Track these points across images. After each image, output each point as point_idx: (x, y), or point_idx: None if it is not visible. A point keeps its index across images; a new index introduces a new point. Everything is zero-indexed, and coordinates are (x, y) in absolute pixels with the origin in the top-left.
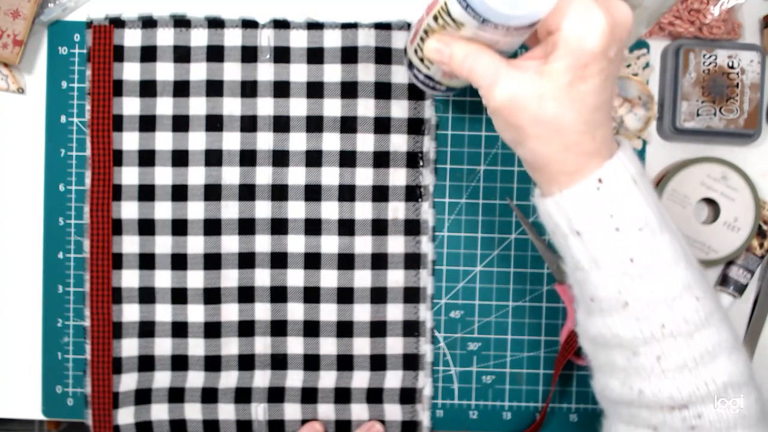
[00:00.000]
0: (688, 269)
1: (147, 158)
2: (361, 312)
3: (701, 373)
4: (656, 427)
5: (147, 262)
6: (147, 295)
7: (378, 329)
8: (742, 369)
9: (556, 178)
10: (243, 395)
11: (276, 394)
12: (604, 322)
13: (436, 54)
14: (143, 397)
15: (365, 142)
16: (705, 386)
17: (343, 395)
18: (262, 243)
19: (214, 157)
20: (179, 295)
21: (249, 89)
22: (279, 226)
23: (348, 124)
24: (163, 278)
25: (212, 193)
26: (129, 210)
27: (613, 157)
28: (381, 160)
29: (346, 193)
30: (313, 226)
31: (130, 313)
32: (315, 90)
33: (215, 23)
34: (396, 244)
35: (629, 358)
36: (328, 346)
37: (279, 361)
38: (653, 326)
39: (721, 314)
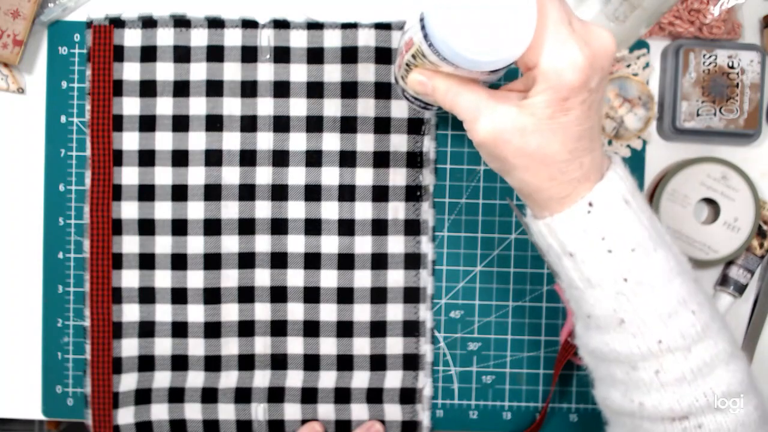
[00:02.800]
0: (683, 284)
1: (147, 158)
2: (361, 312)
3: (700, 385)
4: None
5: (147, 262)
6: (147, 295)
7: (378, 329)
8: (740, 378)
9: (547, 204)
10: (243, 395)
11: (276, 394)
12: (601, 339)
13: (419, 86)
14: (143, 397)
15: (365, 142)
16: (704, 397)
17: (343, 395)
18: (262, 243)
19: (214, 157)
20: (179, 295)
21: (249, 89)
22: (279, 226)
23: (348, 124)
24: (163, 278)
25: (212, 193)
26: (129, 210)
27: (603, 179)
28: (381, 160)
29: (346, 193)
30: (313, 226)
31: (130, 313)
32: (315, 90)
33: (215, 23)
34: (396, 244)
35: (628, 372)
36: (328, 346)
37: (279, 361)
38: (650, 342)
39: (719, 324)
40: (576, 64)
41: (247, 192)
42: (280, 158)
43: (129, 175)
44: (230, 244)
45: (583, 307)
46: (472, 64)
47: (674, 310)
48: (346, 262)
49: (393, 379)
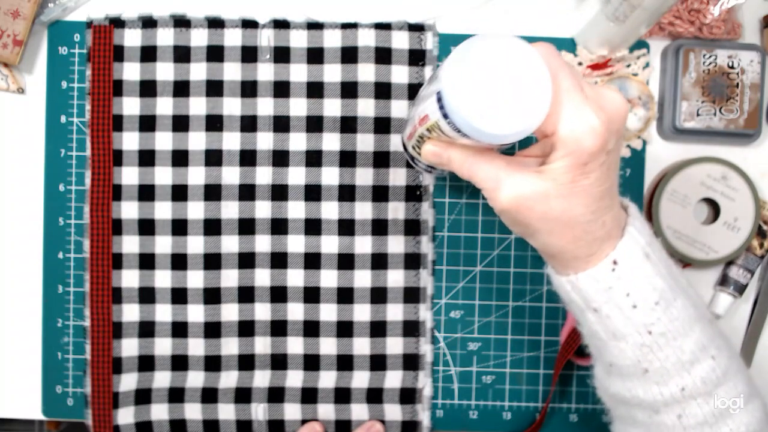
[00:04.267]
0: (703, 330)
1: (147, 158)
2: (361, 312)
3: (721, 427)
4: None
5: (147, 262)
6: (147, 295)
7: (378, 329)
8: (759, 417)
9: (570, 264)
10: (243, 395)
11: (276, 394)
12: (623, 385)
13: (434, 157)
14: (143, 397)
15: (365, 142)
16: None
17: (343, 395)
18: (262, 243)
19: (214, 157)
20: (179, 295)
21: (249, 89)
22: (279, 226)
23: (348, 124)
24: (163, 278)
25: (212, 193)
26: (129, 210)
27: (625, 234)
28: (381, 160)
29: (346, 193)
30: (313, 226)
31: (130, 313)
32: (315, 90)
33: (215, 23)
34: (396, 244)
35: (651, 416)
36: (328, 346)
37: (279, 361)
38: (673, 390)
39: (737, 364)
40: (594, 129)
41: (247, 192)
42: (280, 158)
43: (129, 175)
44: (230, 244)
45: (606, 356)
46: (491, 138)
47: (696, 357)
48: (346, 262)
49: (393, 379)
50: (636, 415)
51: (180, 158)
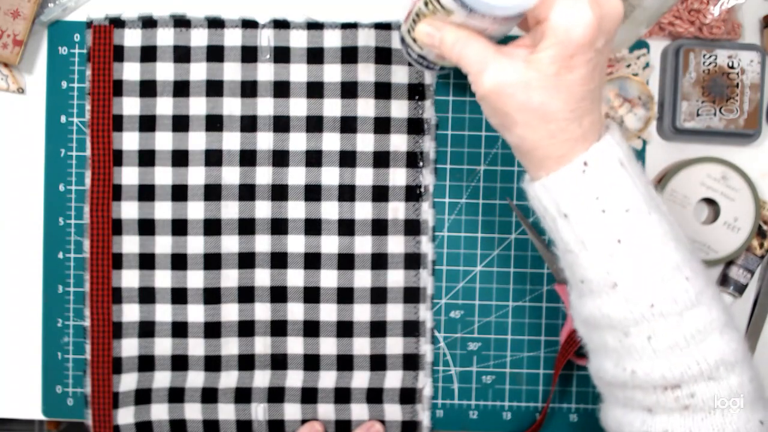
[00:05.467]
0: (678, 249)
1: (147, 158)
2: (361, 312)
3: (692, 352)
4: (650, 409)
5: (147, 262)
6: (147, 295)
7: (378, 329)
8: (734, 348)
9: (543, 163)
10: (243, 395)
11: (276, 394)
12: (594, 304)
13: (426, 38)
14: (143, 397)
15: (365, 142)
16: (696, 365)
17: (343, 395)
18: (262, 243)
19: (214, 157)
20: (179, 295)
21: (249, 89)
22: (279, 226)
23: (348, 124)
24: (163, 278)
25: (212, 193)
26: (129, 210)
27: (600, 140)
28: (381, 160)
29: (346, 193)
30: (313, 226)
31: (130, 313)
32: (315, 90)
33: (215, 23)
34: (396, 244)
35: (621, 339)
36: (328, 346)
37: (279, 361)
38: (643, 307)
39: (712, 292)
40: (585, 21)
41: (247, 192)
42: (280, 158)
43: (129, 175)
44: (230, 244)
45: (577, 271)
46: (487, 8)
47: (668, 274)
48: (346, 262)
49: (393, 379)
50: (607, 341)
51: (180, 158)
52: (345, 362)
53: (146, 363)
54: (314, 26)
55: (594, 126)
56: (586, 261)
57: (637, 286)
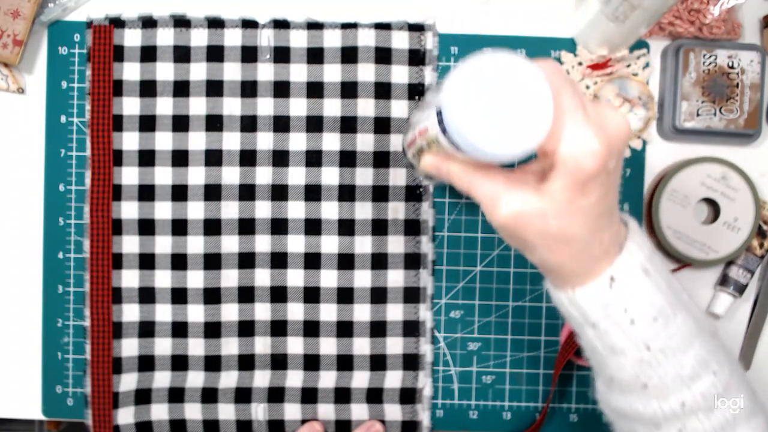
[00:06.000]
0: (703, 344)
1: (147, 158)
2: (361, 312)
3: None
4: None
5: (147, 262)
6: (147, 295)
7: (378, 329)
8: None
9: (568, 280)
10: (243, 395)
11: (276, 394)
12: (624, 400)
13: (433, 169)
14: (143, 397)
15: (365, 142)
16: None
17: (343, 395)
18: (262, 243)
19: (214, 157)
20: (179, 295)
21: (249, 89)
22: (279, 226)
23: (348, 124)
24: (163, 278)
25: (212, 193)
26: (129, 210)
27: (623, 250)
28: (381, 160)
29: (346, 193)
30: (313, 226)
31: (130, 313)
32: (315, 90)
33: (215, 23)
34: (396, 244)
35: (651, 430)
36: (328, 346)
37: (279, 361)
38: (673, 405)
39: (738, 378)
40: (594, 151)
41: (247, 192)
42: (280, 158)
43: (129, 175)
44: (230, 244)
45: (606, 371)
46: (490, 157)
47: (696, 372)
48: (346, 262)
49: (393, 379)
50: (637, 429)
51: (180, 158)
52: (345, 362)
53: (146, 363)
54: (314, 26)
55: (614, 238)
56: (615, 364)
57: (666, 387)
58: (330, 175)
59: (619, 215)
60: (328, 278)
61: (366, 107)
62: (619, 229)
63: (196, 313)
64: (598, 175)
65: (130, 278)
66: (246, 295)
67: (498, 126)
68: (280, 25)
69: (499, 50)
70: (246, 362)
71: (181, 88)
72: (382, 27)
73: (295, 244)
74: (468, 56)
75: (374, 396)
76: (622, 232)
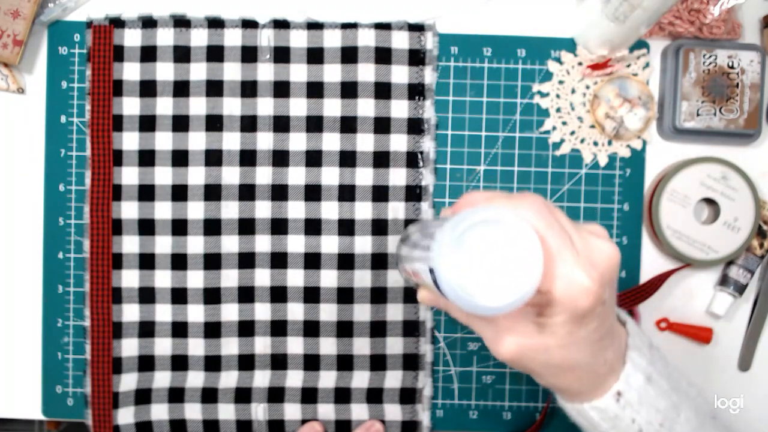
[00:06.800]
0: None
1: (147, 158)
2: (361, 312)
3: None
4: None
5: (147, 262)
6: (147, 295)
7: (378, 329)
8: None
9: (576, 397)
10: (243, 395)
11: (276, 394)
12: None
13: (430, 303)
14: (143, 397)
15: (365, 142)
16: None
17: (343, 395)
18: (262, 243)
19: (214, 157)
20: (179, 295)
21: (249, 89)
22: (279, 226)
23: (348, 124)
24: (163, 278)
25: (212, 193)
26: (129, 210)
27: (626, 362)
28: (381, 160)
29: (346, 193)
30: (313, 226)
31: (130, 313)
32: (315, 90)
33: (215, 23)
34: (396, 244)
35: None
36: (328, 346)
37: (279, 361)
38: None
39: None
40: (588, 290)
41: (247, 192)
42: (280, 158)
43: (129, 175)
44: (230, 244)
45: None
46: (485, 310)
47: None
48: (345, 262)
49: (393, 379)
50: None
51: (180, 158)
52: (345, 362)
53: (146, 363)
54: (314, 26)
55: (617, 352)
56: None
57: None
58: (330, 175)
59: (617, 313)
60: (328, 278)
61: (366, 107)
62: (620, 337)
63: (196, 313)
64: (594, 308)
65: (130, 278)
66: (246, 295)
67: (491, 285)
68: (280, 25)
69: (483, 206)
70: (246, 362)
71: (181, 88)
72: (382, 27)
73: (295, 244)
74: (457, 211)
75: (374, 396)
76: (623, 339)
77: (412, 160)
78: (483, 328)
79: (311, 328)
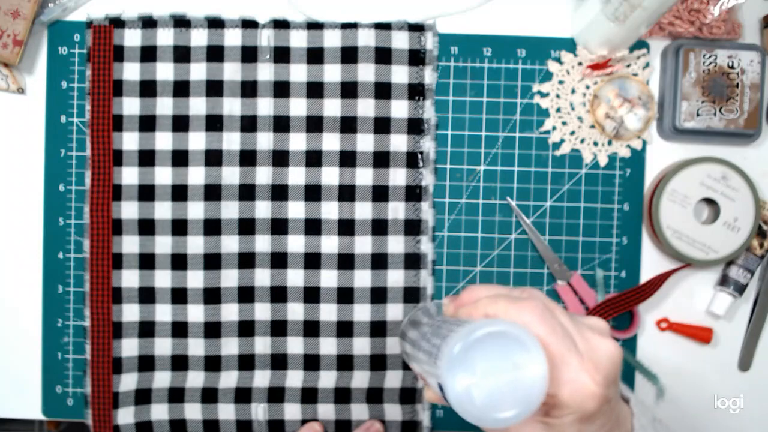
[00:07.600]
0: None
1: (147, 158)
2: (361, 312)
3: None
4: None
5: (147, 262)
6: (147, 295)
7: (378, 329)
8: None
9: None
10: (243, 395)
11: (276, 394)
12: None
13: (438, 401)
14: (143, 397)
15: (365, 142)
16: None
17: (343, 395)
18: (262, 243)
19: (214, 157)
20: (179, 295)
21: (249, 89)
22: (279, 226)
23: (348, 124)
24: (163, 278)
25: (212, 193)
26: (129, 210)
27: None
28: (381, 160)
29: (346, 193)
30: (313, 226)
31: (130, 313)
32: (315, 90)
33: (215, 23)
34: (396, 244)
35: None
36: (328, 346)
37: (279, 361)
38: None
39: None
40: (594, 394)
41: (247, 192)
42: (280, 158)
43: (129, 175)
44: (230, 244)
45: None
46: (494, 423)
47: None
48: (346, 262)
49: (393, 378)
50: None
51: (180, 158)
52: (345, 362)
53: (146, 363)
54: (314, 26)
55: (624, 424)
56: None
57: None
58: (330, 175)
59: (620, 389)
60: (328, 278)
61: (366, 107)
62: (625, 422)
63: (196, 313)
64: (600, 410)
65: (130, 278)
66: (246, 295)
67: (499, 398)
68: (280, 25)
69: (484, 322)
70: (246, 362)
71: (181, 88)
72: (382, 27)
73: (295, 244)
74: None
75: (374, 396)
76: (628, 421)
77: (412, 160)
78: (491, 429)
79: (311, 328)
